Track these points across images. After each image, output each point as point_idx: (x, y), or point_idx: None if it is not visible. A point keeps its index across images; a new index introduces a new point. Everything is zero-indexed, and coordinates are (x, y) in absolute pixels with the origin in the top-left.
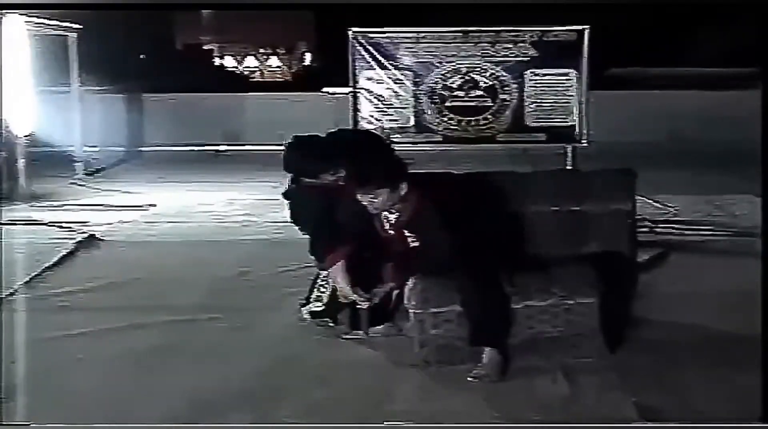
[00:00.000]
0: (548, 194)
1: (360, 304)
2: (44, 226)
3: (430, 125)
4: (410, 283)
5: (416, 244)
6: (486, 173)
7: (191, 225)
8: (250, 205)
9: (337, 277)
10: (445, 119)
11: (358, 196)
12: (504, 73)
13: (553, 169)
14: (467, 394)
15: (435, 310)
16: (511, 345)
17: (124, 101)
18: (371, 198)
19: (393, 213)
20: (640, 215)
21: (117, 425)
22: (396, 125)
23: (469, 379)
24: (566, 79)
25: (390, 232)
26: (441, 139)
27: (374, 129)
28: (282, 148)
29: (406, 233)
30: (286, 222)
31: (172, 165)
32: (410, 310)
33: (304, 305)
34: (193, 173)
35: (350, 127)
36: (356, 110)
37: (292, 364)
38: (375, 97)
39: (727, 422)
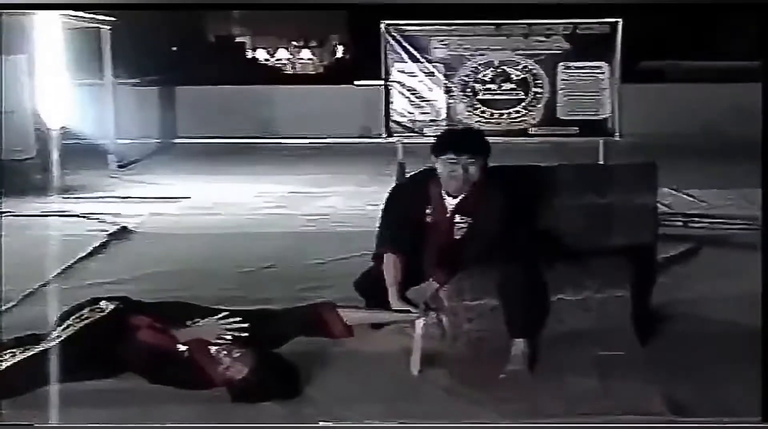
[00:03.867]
0: (574, 188)
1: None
2: (77, 218)
3: (462, 118)
4: (442, 275)
5: (463, 234)
6: (529, 167)
7: (224, 217)
8: (282, 198)
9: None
10: (477, 112)
11: (454, 162)
12: (536, 66)
13: (580, 164)
14: (498, 391)
15: (469, 302)
16: (543, 338)
17: (156, 94)
18: (470, 162)
19: (457, 196)
20: (673, 210)
21: (117, 425)
22: (427, 118)
23: (501, 376)
24: (599, 72)
25: (444, 216)
26: None
27: (406, 122)
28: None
29: (457, 219)
30: (318, 215)
31: (204, 157)
32: (444, 301)
33: None
34: (225, 165)
35: (382, 119)
36: (388, 103)
37: (317, 356)
38: (407, 90)
39: (727, 422)
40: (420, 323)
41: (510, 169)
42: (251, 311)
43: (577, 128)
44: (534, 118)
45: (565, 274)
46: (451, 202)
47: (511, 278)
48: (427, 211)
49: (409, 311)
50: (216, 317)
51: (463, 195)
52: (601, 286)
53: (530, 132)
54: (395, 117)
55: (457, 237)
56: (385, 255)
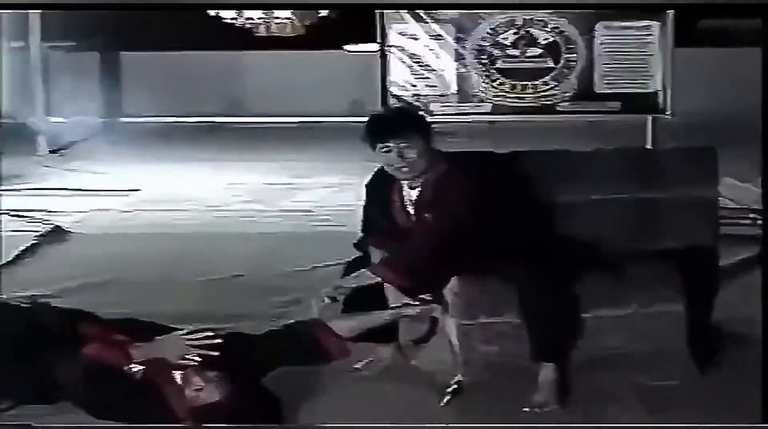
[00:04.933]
0: (616, 178)
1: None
2: None
3: (477, 92)
4: (454, 285)
5: (421, 232)
6: (540, 152)
7: (183, 214)
8: (255, 191)
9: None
10: (495, 84)
11: (387, 150)
12: (569, 27)
13: (620, 148)
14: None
15: (485, 320)
16: (574, 362)
17: (98, 61)
18: (404, 146)
19: (415, 187)
20: (738, 205)
21: (117, 425)
22: (434, 92)
23: (525, 410)
24: (647, 34)
25: (412, 217)
26: (489, 109)
27: (407, 97)
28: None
29: (416, 213)
30: (299, 211)
31: (158, 140)
32: (453, 320)
33: None
34: (184, 150)
35: (378, 93)
36: (385, 73)
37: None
38: (408, 57)
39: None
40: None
41: (530, 156)
42: (221, 335)
43: (618, 104)
44: (565, 92)
45: (604, 285)
46: (411, 196)
47: (536, 291)
48: (394, 204)
49: (409, 305)
50: (181, 332)
51: (418, 187)
52: (649, 299)
53: (560, 109)
54: (394, 90)
55: (416, 235)
56: (370, 246)
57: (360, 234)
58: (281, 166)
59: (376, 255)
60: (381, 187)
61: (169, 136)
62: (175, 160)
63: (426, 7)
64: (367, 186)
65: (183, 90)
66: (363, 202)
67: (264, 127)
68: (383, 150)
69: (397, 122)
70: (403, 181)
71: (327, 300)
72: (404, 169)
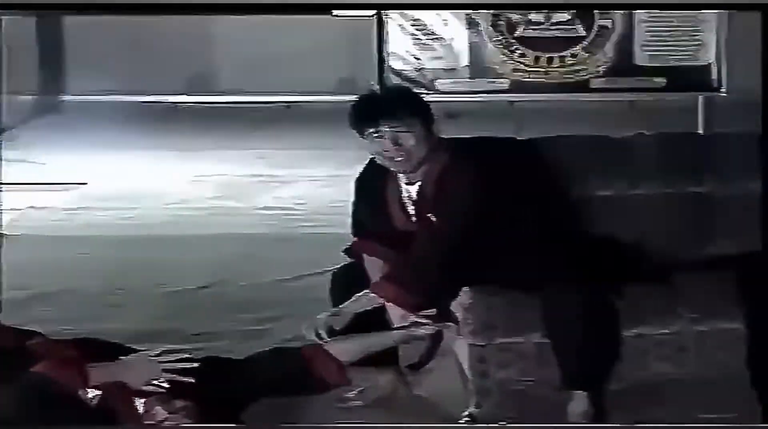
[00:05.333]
0: (660, 170)
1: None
2: None
3: (492, 65)
4: (465, 299)
5: (424, 235)
6: (569, 138)
7: (139, 213)
8: (225, 185)
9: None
10: (515, 56)
11: (378, 136)
12: None
13: (665, 133)
14: None
15: (503, 340)
16: (612, 391)
17: (34, 26)
18: (399, 131)
19: (414, 182)
20: None
21: (118, 426)
22: (442, 65)
23: None
24: None
25: (412, 219)
26: (507, 86)
27: (409, 71)
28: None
29: (417, 214)
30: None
31: (109, 124)
32: (464, 340)
33: None
34: (141, 136)
35: (374, 67)
36: (382, 43)
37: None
38: (411, 24)
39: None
40: None
41: (557, 142)
42: (196, 358)
43: (663, 79)
44: (599, 65)
45: (647, 298)
46: (410, 193)
47: (566, 305)
48: (390, 203)
49: (420, 323)
50: (152, 353)
51: (418, 182)
52: (702, 314)
53: (593, 86)
54: (393, 63)
55: (419, 241)
56: (364, 255)
57: (350, 238)
58: (257, 155)
59: (370, 265)
60: (374, 183)
61: (122, 118)
62: (129, 148)
63: (426, 7)
64: (357, 182)
65: (139, 63)
66: (352, 201)
67: (236, 108)
68: (374, 136)
69: (390, 102)
70: (399, 176)
71: (323, 333)
72: (399, 160)
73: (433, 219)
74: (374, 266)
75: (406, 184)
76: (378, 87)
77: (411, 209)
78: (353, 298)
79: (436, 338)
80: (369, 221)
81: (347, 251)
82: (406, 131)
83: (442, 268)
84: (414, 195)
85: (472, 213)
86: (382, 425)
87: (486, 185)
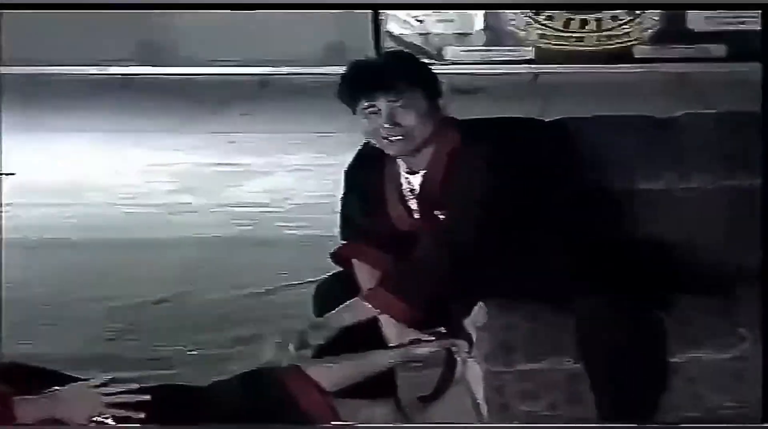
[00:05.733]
0: (716, 157)
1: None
2: None
3: (513, 30)
4: (479, 315)
5: (431, 236)
6: (606, 119)
7: (80, 210)
8: (186, 175)
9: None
10: (540, 19)
11: (373, 112)
12: None
13: (722, 112)
14: None
15: (525, 366)
16: (659, 425)
17: None
18: (397, 106)
19: (417, 171)
20: None
21: (122, 426)
22: (452, 30)
23: None
24: None
25: (414, 215)
26: (532, 56)
27: (410, 37)
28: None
29: (422, 210)
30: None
31: (45, 101)
32: (478, 366)
33: None
34: (84, 116)
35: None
36: (378, 5)
37: None
38: None
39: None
40: None
41: (592, 124)
42: (148, 387)
43: (723, 47)
44: (644, 31)
45: (698, 315)
46: (412, 184)
47: (602, 322)
48: (387, 196)
49: (421, 341)
50: (91, 382)
51: (422, 170)
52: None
53: (638, 54)
54: (392, 29)
55: (423, 242)
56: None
57: (339, 240)
58: (226, 139)
59: (362, 274)
60: (368, 173)
61: (60, 94)
62: (68, 130)
63: (426, 7)
64: (347, 171)
65: (82, 26)
66: (341, 196)
67: (199, 81)
68: (368, 111)
69: (388, 71)
70: (399, 163)
71: (291, 347)
72: (397, 139)
73: (440, 216)
74: (367, 275)
75: (407, 172)
76: (373, 55)
77: (413, 204)
78: (340, 307)
79: (451, 363)
80: (361, 220)
81: (334, 256)
82: (407, 106)
83: (450, 277)
84: (417, 186)
85: (487, 210)
86: (383, 425)
87: (504, 176)
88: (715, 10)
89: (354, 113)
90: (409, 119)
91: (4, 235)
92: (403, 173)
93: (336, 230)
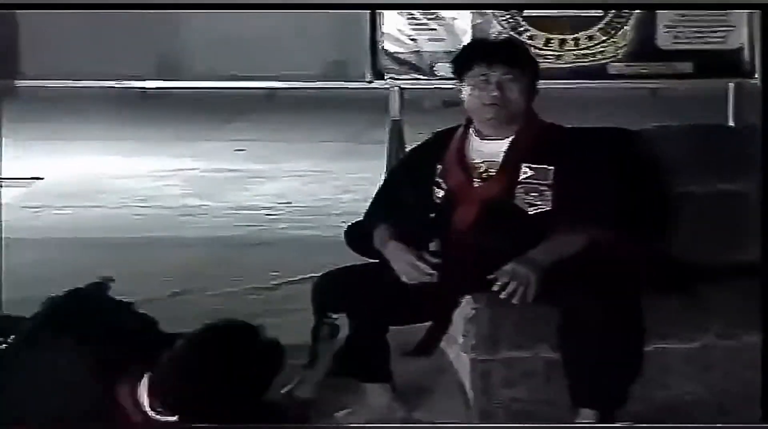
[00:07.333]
0: (685, 165)
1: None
2: None
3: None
4: (468, 308)
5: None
6: (584, 131)
7: (100, 212)
8: (195, 181)
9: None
10: (524, 38)
11: (484, 79)
12: None
13: (691, 125)
14: None
15: (508, 354)
16: (626, 410)
17: None
18: (507, 79)
19: (495, 139)
20: None
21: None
22: (441, 48)
23: None
24: None
25: (474, 180)
26: None
27: (405, 54)
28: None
29: (526, 174)
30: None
31: (68, 112)
32: (466, 354)
33: None
34: (102, 126)
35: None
36: (376, 22)
37: None
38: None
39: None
40: None
41: (576, 133)
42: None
43: (689, 65)
44: (618, 48)
45: (669, 308)
46: (481, 150)
47: (583, 315)
48: (448, 172)
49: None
50: None
51: (512, 135)
52: (729, 327)
53: (611, 71)
54: (388, 45)
55: (528, 208)
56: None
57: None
58: (233, 147)
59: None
60: (429, 152)
61: (83, 106)
62: (90, 139)
63: (426, 7)
64: (410, 152)
65: (101, 45)
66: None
67: (209, 94)
68: (480, 78)
69: (506, 50)
70: (470, 133)
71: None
72: (497, 105)
73: (524, 171)
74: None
75: (482, 139)
76: (370, 73)
77: (479, 169)
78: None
79: (439, 327)
80: (410, 193)
81: (362, 245)
82: (514, 80)
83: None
84: (492, 152)
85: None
86: (383, 425)
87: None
88: (714, 10)
89: (460, 80)
90: (513, 91)
91: (30, 235)
92: (474, 142)
93: (336, 232)
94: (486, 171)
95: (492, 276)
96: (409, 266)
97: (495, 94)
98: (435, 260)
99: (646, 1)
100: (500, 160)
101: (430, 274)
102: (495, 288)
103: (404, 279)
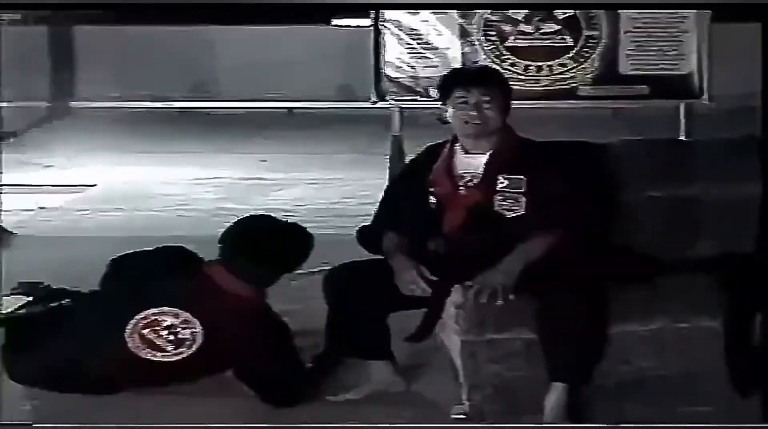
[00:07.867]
0: (643, 174)
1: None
2: None
3: None
4: (458, 295)
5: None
6: (576, 144)
7: (142, 214)
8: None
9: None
10: (506, 65)
11: (463, 101)
12: None
13: (648, 139)
14: None
15: (494, 336)
16: (594, 387)
17: (46, 36)
18: (485, 100)
19: (475, 154)
20: None
21: (118, 425)
22: (436, 74)
23: None
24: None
25: (460, 188)
26: None
27: (404, 79)
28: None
29: (502, 183)
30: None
31: (117, 128)
32: (456, 336)
33: None
34: (147, 140)
35: (371, 75)
36: (379, 51)
37: None
38: (406, 33)
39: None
40: None
41: (545, 147)
42: None
43: (646, 87)
44: (586, 74)
45: (631, 295)
46: (467, 163)
47: (556, 302)
48: (436, 181)
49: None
50: None
51: (489, 150)
52: (683, 312)
53: (580, 93)
54: (389, 72)
55: (506, 213)
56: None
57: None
58: (258, 158)
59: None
60: (423, 163)
61: (129, 122)
62: (135, 151)
63: (426, 7)
64: (407, 163)
65: (145, 71)
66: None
67: (237, 113)
68: (459, 101)
69: (481, 75)
70: (457, 149)
71: None
72: (477, 123)
73: (500, 183)
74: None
75: (465, 155)
76: (374, 95)
77: (463, 179)
78: None
79: (433, 313)
80: (407, 200)
81: (371, 245)
82: (491, 101)
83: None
84: (475, 165)
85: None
86: (382, 425)
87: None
88: (718, 23)
89: (443, 104)
90: (489, 110)
91: (87, 235)
92: (459, 156)
93: (345, 230)
94: (470, 181)
95: (469, 283)
96: (409, 283)
97: (473, 113)
98: (432, 278)
99: (646, 2)
100: (481, 171)
101: (425, 291)
102: (471, 293)
103: (403, 292)
